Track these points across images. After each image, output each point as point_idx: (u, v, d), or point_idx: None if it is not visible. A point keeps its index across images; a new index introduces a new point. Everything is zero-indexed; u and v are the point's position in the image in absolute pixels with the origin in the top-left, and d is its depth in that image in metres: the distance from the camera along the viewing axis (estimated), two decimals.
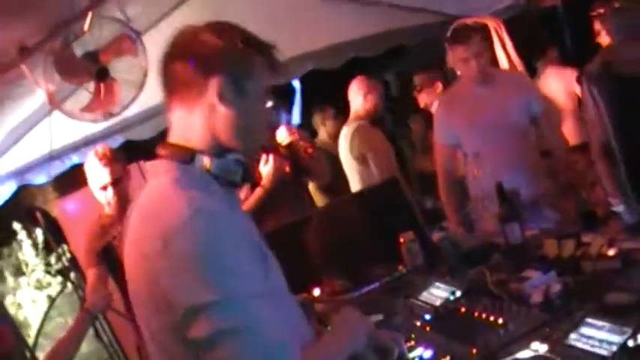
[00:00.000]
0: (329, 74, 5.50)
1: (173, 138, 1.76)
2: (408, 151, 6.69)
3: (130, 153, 5.02)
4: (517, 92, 3.97)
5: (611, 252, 2.62)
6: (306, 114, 6.33)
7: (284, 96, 5.43)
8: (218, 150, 1.72)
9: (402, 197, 3.54)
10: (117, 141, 5.19)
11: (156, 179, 1.74)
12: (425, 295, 2.78)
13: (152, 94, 4.54)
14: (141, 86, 4.19)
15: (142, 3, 4.34)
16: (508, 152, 3.84)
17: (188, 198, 1.60)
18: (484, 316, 2.38)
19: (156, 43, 4.45)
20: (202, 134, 1.71)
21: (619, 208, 3.49)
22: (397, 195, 3.56)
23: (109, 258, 3.75)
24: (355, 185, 5.01)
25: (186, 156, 1.70)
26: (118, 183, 3.80)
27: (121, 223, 3.43)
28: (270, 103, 1.83)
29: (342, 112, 5.50)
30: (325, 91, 5.76)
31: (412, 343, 2.38)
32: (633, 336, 1.88)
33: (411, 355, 2.30)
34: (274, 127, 1.66)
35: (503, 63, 5.58)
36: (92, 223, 4.00)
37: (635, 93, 3.34)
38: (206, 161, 1.70)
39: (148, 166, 1.74)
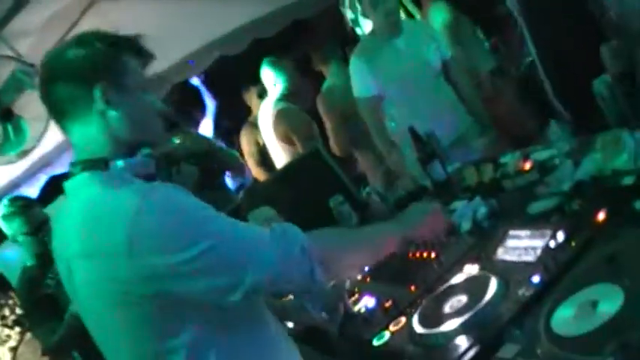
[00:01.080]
0: (235, 63, 5.48)
1: (80, 156, 1.77)
2: None
3: (57, 186, 4.98)
4: (428, 40, 4.02)
5: (527, 166, 2.68)
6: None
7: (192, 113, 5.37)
8: (125, 151, 1.77)
9: (326, 165, 3.56)
10: (40, 180, 5.12)
11: (78, 194, 1.75)
12: None
13: None
14: (47, 119, 4.13)
15: (31, 35, 4.29)
16: (429, 98, 3.90)
17: (128, 192, 1.65)
18: (418, 255, 2.42)
19: None
20: (104, 142, 1.76)
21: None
22: (321, 164, 3.57)
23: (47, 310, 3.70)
24: (281, 163, 5.06)
25: (100, 165, 1.73)
26: (39, 230, 3.75)
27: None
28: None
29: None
30: (235, 79, 5.72)
31: (356, 296, 2.42)
32: (553, 237, 1.94)
33: (357, 307, 2.34)
34: (166, 114, 1.73)
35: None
36: (18, 281, 3.94)
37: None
38: (119, 164, 1.74)
39: (66, 186, 1.78)
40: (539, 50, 3.46)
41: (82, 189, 1.74)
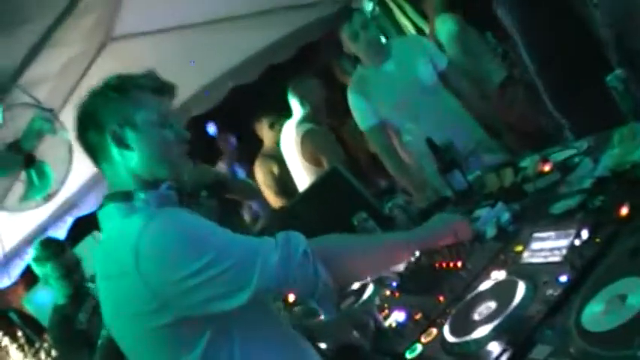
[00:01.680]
0: (252, 91, 5.52)
1: (110, 191, 1.95)
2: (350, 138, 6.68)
3: (83, 226, 5.03)
4: (418, 56, 4.00)
5: (547, 167, 2.67)
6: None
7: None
8: (147, 186, 1.91)
9: (347, 182, 3.57)
10: (67, 222, 5.18)
11: (105, 224, 1.92)
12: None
13: (85, 165, 4.57)
14: (69, 161, 4.19)
15: (48, 81, 4.35)
16: (431, 114, 3.87)
17: (137, 216, 1.79)
18: (444, 265, 2.42)
19: (72, 115, 4.51)
20: (127, 178, 1.91)
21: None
22: (341, 182, 3.58)
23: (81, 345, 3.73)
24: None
25: (123, 197, 1.88)
26: (71, 271, 3.80)
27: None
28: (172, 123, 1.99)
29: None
30: (253, 106, 5.75)
31: (386, 312, 2.41)
32: (577, 235, 1.93)
33: (387, 322, 2.33)
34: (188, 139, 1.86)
35: (410, 29, 5.64)
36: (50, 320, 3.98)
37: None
38: (141, 196, 1.87)
39: (100, 216, 1.94)
40: (534, 61, 3.45)
41: (107, 219, 1.90)
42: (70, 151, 4.08)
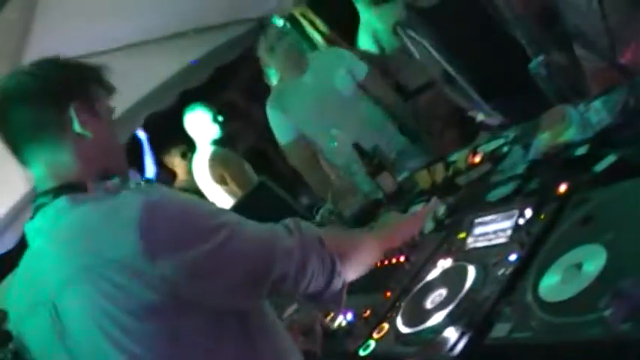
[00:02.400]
0: (165, 117, 5.43)
1: (47, 185, 1.59)
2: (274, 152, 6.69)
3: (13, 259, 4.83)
4: (336, 67, 4.01)
5: (478, 158, 2.69)
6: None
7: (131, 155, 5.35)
8: (98, 177, 1.59)
9: (275, 194, 3.52)
10: None
11: (56, 222, 1.53)
12: None
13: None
14: None
15: None
16: (351, 125, 3.89)
17: (127, 195, 1.51)
18: (386, 262, 2.39)
19: None
20: (77, 168, 1.59)
21: (480, 117, 3.61)
22: (270, 194, 3.54)
23: None
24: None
25: (79, 188, 1.55)
26: None
27: None
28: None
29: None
30: (166, 134, 5.67)
31: (331, 314, 2.36)
32: (521, 214, 1.93)
33: (336, 324, 2.29)
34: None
35: (322, 45, 5.64)
36: None
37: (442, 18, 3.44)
38: (98, 186, 1.57)
39: (32, 224, 1.59)
40: (451, 61, 3.49)
41: (61, 214, 1.53)
42: None
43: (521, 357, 1.51)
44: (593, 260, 1.48)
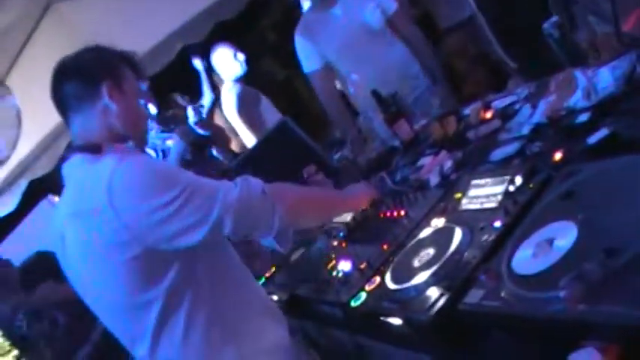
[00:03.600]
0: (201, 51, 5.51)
1: (77, 143, 2.11)
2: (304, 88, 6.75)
3: (37, 190, 5.02)
4: (365, 1, 3.99)
5: (489, 114, 2.72)
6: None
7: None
8: (115, 141, 2.08)
9: (296, 135, 3.59)
10: (21, 185, 5.15)
11: (73, 173, 2.08)
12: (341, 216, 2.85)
13: (36, 128, 4.54)
14: (18, 125, 4.18)
15: None
16: (377, 61, 3.90)
17: (108, 159, 1.97)
18: (389, 214, 2.46)
19: (18, 80, 4.45)
20: (101, 132, 2.08)
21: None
22: (291, 135, 3.60)
23: None
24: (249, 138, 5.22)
25: (93, 148, 2.03)
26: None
27: None
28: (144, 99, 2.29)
29: None
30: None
31: (333, 262, 2.46)
32: (512, 181, 1.97)
33: (334, 273, 2.38)
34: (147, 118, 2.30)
35: None
36: None
37: None
38: (111, 148, 2.03)
39: (65, 167, 2.12)
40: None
41: (75, 168, 2.07)
42: (19, 115, 4.05)
43: (488, 324, 1.59)
44: (564, 237, 1.53)
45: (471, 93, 4.07)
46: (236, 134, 5.51)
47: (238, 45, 5.38)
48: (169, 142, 4.80)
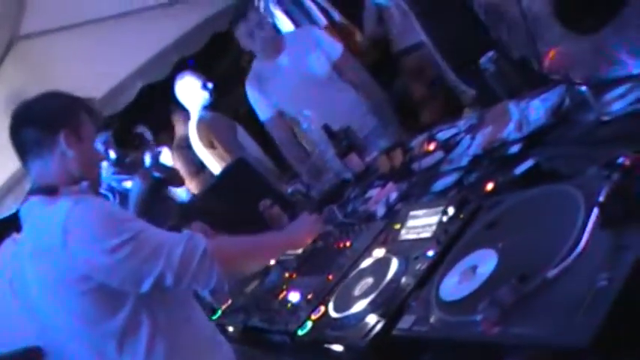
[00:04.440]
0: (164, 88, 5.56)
1: (35, 186, 2.22)
2: None
3: (1, 230, 5.05)
4: (311, 48, 4.13)
5: (432, 146, 2.83)
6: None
7: None
8: (71, 183, 2.20)
9: (252, 171, 3.70)
10: None
11: (31, 214, 2.17)
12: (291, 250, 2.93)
13: (2, 168, 4.59)
14: None
15: None
16: (325, 105, 4.02)
17: (65, 200, 2.07)
18: (335, 246, 2.56)
19: None
20: (59, 174, 2.19)
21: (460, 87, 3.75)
22: (247, 171, 3.71)
23: None
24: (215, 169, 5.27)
25: (50, 190, 2.14)
26: None
27: None
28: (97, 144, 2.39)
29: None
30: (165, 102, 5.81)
31: (284, 293, 2.54)
32: (444, 212, 2.07)
33: (284, 303, 2.46)
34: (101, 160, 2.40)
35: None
36: None
37: None
38: (66, 190, 2.15)
39: (23, 209, 2.22)
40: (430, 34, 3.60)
41: (31, 210, 2.17)
42: None
43: (418, 350, 1.68)
44: (485, 264, 1.63)
45: (427, 122, 4.18)
46: (197, 171, 5.56)
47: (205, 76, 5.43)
48: (127, 184, 4.91)
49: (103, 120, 4.87)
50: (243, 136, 5.36)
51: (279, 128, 4.25)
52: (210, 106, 5.26)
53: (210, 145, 5.23)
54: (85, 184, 2.22)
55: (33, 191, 2.20)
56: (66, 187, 2.16)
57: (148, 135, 6.44)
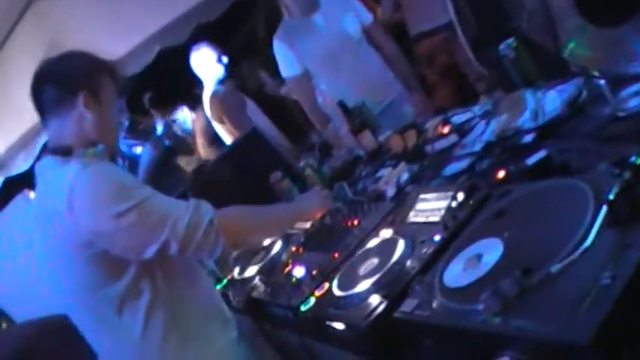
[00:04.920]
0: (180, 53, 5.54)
1: (51, 144, 2.24)
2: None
3: (13, 188, 5.10)
4: (345, 9, 4.12)
5: (446, 129, 2.83)
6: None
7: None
8: (87, 145, 2.20)
9: (265, 142, 3.71)
10: None
11: (44, 173, 2.22)
12: (298, 224, 2.95)
13: (13, 126, 4.61)
14: None
15: None
16: (352, 68, 4.02)
17: (73, 164, 2.08)
18: (343, 223, 2.57)
19: None
20: (75, 136, 2.20)
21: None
22: (260, 142, 3.72)
23: None
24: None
25: (65, 151, 2.16)
26: None
27: None
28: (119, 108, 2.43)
29: None
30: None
31: (289, 267, 2.56)
32: (454, 198, 2.08)
33: (289, 277, 2.48)
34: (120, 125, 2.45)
35: None
36: None
37: None
38: (81, 152, 2.15)
39: (37, 168, 2.27)
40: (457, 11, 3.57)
41: (45, 169, 2.21)
42: None
43: (419, 334, 1.69)
44: (491, 253, 1.64)
45: (440, 106, 4.18)
46: (212, 141, 5.58)
47: (221, 47, 5.42)
48: (137, 150, 4.94)
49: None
50: (253, 110, 5.35)
51: (304, 87, 4.21)
52: (224, 79, 5.24)
53: (220, 121, 5.29)
54: (100, 147, 2.22)
55: (48, 150, 2.22)
56: (81, 149, 2.17)
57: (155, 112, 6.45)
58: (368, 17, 4.18)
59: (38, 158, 2.26)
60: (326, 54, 4.01)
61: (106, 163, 2.19)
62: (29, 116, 4.24)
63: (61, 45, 4.26)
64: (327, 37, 4.02)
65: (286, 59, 4.18)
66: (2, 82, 4.46)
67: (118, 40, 4.79)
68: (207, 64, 5.22)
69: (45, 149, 2.26)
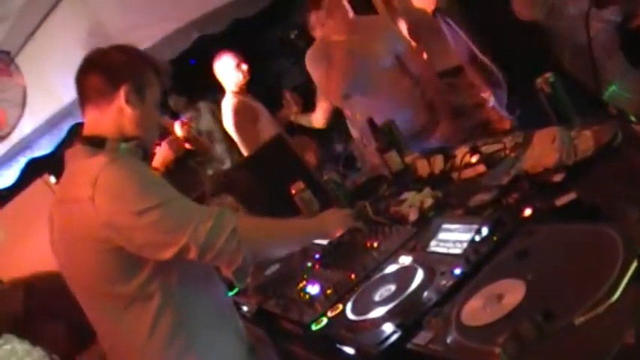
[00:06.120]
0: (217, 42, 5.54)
1: (86, 132, 2.22)
2: None
3: (35, 169, 5.11)
4: (380, 35, 4.11)
5: (474, 159, 2.79)
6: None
7: None
8: (123, 139, 2.18)
9: (290, 151, 3.68)
10: (20, 162, 5.22)
11: (73, 160, 2.20)
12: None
13: (41, 107, 4.62)
14: (23, 104, 4.25)
15: (8, 22, 4.35)
16: (381, 92, 4.01)
17: (101, 156, 2.07)
18: (363, 244, 2.54)
19: (30, 59, 4.51)
20: (111, 128, 2.18)
21: (491, 102, 3.70)
22: (285, 150, 3.69)
23: None
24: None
25: (98, 142, 2.15)
26: None
27: None
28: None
29: None
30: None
31: (303, 283, 2.54)
32: (478, 232, 2.05)
33: (302, 293, 2.46)
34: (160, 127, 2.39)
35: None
36: None
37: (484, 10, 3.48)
38: (113, 145, 2.14)
39: (67, 154, 2.24)
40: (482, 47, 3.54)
41: (74, 157, 2.20)
42: (24, 95, 4.12)
43: None
44: (512, 295, 1.60)
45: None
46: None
47: (250, 45, 5.40)
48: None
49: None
50: (266, 124, 5.30)
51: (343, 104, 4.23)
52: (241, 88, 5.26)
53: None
54: (134, 143, 2.20)
55: (81, 138, 2.21)
56: (114, 142, 2.15)
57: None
58: (402, 44, 4.18)
59: (63, 142, 2.28)
60: (358, 76, 4.01)
61: (136, 159, 2.18)
62: (58, 98, 4.28)
63: (100, 27, 4.29)
64: (361, 60, 4.00)
65: (318, 75, 4.21)
66: (34, 62, 4.45)
67: (157, 25, 4.77)
68: (225, 73, 5.22)
69: (78, 136, 2.24)
